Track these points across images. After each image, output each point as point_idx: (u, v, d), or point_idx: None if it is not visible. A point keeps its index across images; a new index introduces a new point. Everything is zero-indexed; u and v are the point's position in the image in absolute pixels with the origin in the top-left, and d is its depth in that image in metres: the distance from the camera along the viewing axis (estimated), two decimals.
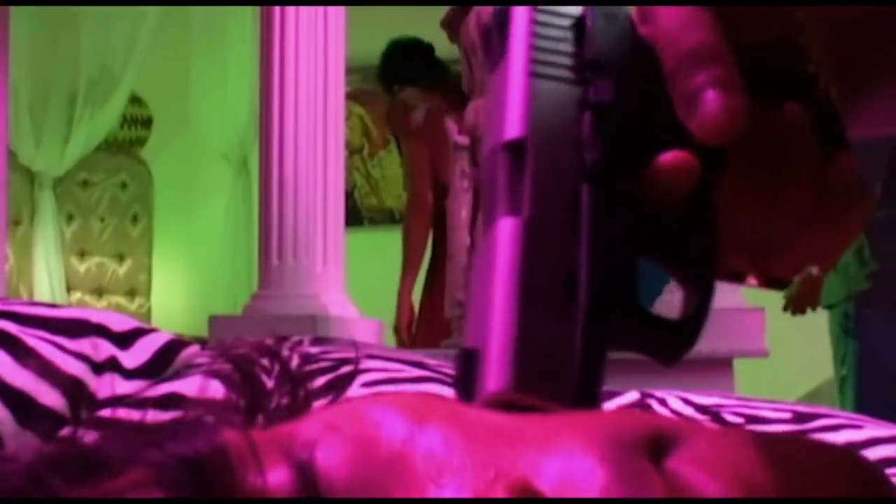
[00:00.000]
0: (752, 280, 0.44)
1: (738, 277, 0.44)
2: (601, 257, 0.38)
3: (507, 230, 0.39)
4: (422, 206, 3.80)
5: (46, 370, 0.81)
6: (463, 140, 3.18)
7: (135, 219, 6.41)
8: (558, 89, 0.41)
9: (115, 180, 6.39)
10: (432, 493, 0.32)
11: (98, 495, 0.32)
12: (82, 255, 6.39)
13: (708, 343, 2.66)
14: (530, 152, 0.39)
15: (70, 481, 0.33)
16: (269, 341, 0.43)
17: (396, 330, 3.87)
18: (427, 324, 3.68)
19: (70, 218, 6.38)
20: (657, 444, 0.33)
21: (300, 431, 0.34)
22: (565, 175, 0.39)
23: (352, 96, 5.18)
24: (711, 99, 0.38)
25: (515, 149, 0.40)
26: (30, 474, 0.33)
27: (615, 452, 0.32)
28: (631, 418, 0.34)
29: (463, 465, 0.32)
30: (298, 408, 0.40)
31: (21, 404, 0.82)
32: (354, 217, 5.34)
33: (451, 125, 3.89)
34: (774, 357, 3.06)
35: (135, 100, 6.20)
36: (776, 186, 0.41)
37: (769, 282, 0.44)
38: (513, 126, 0.40)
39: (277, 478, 0.33)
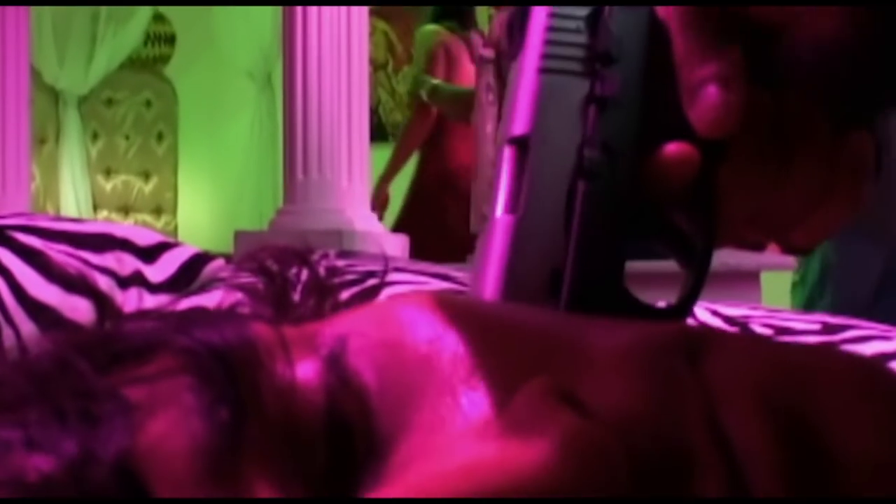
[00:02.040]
0: (772, 247, 0.46)
1: (758, 246, 0.46)
2: (587, 256, 0.40)
3: (501, 227, 0.40)
4: (426, 114, 3.99)
5: (73, 284, 0.81)
6: (488, 53, 3.15)
7: (160, 137, 6.41)
8: (567, 83, 0.42)
9: (140, 98, 6.39)
10: (463, 396, 0.31)
11: (125, 381, 0.31)
12: (108, 173, 6.41)
13: (734, 256, 2.66)
14: (532, 150, 0.41)
15: (97, 367, 0.32)
16: (296, 249, 0.42)
17: None
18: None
19: (95, 136, 6.39)
20: (690, 350, 0.32)
21: (328, 330, 0.33)
22: (563, 173, 0.41)
23: (376, 12, 5.14)
24: (710, 94, 0.40)
25: (520, 144, 0.41)
26: (56, 359, 0.32)
27: (653, 357, 0.32)
28: (662, 327, 0.33)
29: (493, 367, 0.32)
30: (325, 314, 0.39)
31: (48, 319, 0.83)
32: (379, 133, 5.32)
33: (476, 39, 3.86)
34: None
35: (158, 17, 6.17)
36: (788, 166, 0.42)
37: (790, 249, 0.45)
38: (519, 122, 0.41)
39: (306, 371, 0.32)
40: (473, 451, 0.29)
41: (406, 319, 0.33)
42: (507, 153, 0.41)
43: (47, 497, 0.28)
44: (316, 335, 0.33)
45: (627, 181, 0.41)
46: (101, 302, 0.39)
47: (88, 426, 0.30)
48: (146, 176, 6.42)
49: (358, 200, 3.14)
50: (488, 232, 0.41)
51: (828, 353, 0.34)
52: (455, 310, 0.34)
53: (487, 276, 0.40)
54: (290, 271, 0.41)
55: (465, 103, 3.54)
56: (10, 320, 0.84)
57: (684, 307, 0.42)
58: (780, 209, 0.42)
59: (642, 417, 0.30)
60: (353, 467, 0.31)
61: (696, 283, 0.42)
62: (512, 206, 0.41)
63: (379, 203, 3.98)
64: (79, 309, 0.76)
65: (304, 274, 0.41)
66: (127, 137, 6.41)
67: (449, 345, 0.32)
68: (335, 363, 0.32)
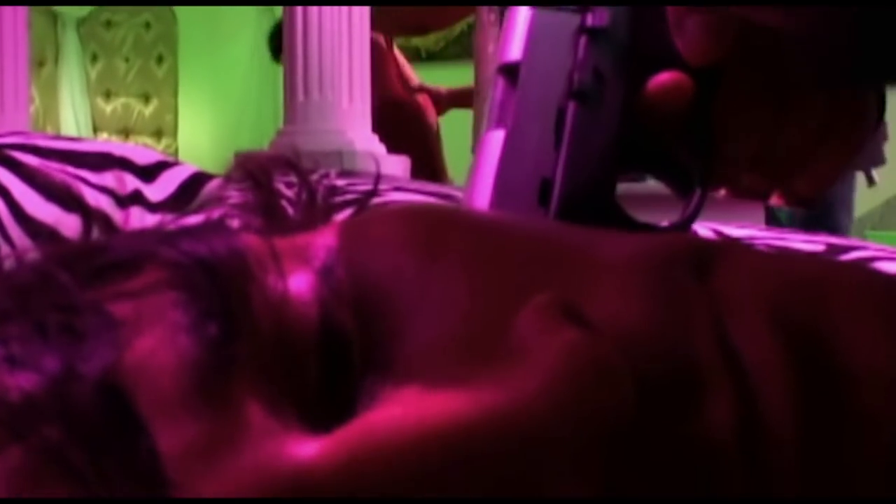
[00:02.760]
0: (777, 200, 0.46)
1: (760, 195, 0.46)
2: (579, 167, 0.40)
3: (491, 140, 0.41)
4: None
5: (71, 203, 0.80)
6: None
7: (159, 59, 6.37)
8: (559, 17, 0.43)
9: (139, 20, 6.34)
10: (461, 309, 0.30)
11: (109, 296, 0.30)
12: (108, 95, 6.37)
13: None
14: (523, 73, 0.42)
15: (80, 280, 0.31)
16: (289, 159, 0.40)
17: None
18: None
19: (94, 58, 6.35)
20: (698, 263, 0.31)
21: (320, 241, 0.32)
22: (553, 93, 0.41)
23: None
24: (696, 20, 0.40)
25: (511, 70, 0.42)
26: (38, 273, 0.31)
27: (659, 269, 0.31)
28: (668, 238, 0.32)
29: (492, 279, 0.31)
30: (317, 224, 0.38)
31: (46, 237, 0.82)
32: None
33: None
34: None
35: None
36: (785, 104, 0.42)
37: (792, 200, 0.46)
38: (511, 51, 0.43)
39: (299, 283, 0.31)
40: (472, 371, 0.28)
41: (402, 230, 0.32)
42: (499, 80, 0.42)
43: (29, 415, 0.27)
44: (308, 246, 0.32)
45: (618, 108, 0.41)
46: (100, 221, 0.38)
47: (71, 342, 0.29)
48: (146, 98, 6.39)
49: (358, 121, 3.12)
50: (479, 148, 0.41)
51: (842, 268, 0.33)
52: (451, 221, 0.33)
53: (478, 186, 0.40)
54: (281, 182, 0.40)
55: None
56: (8, 239, 0.83)
57: (683, 229, 0.42)
58: (779, 151, 0.43)
59: (648, 333, 0.29)
60: (348, 384, 0.30)
61: (692, 212, 0.42)
62: (502, 121, 0.41)
63: None
64: (77, 227, 0.75)
65: (300, 190, 0.40)
66: (126, 60, 6.37)
67: (446, 256, 0.31)
68: (328, 275, 0.31)
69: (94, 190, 0.88)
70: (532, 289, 0.29)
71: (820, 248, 0.95)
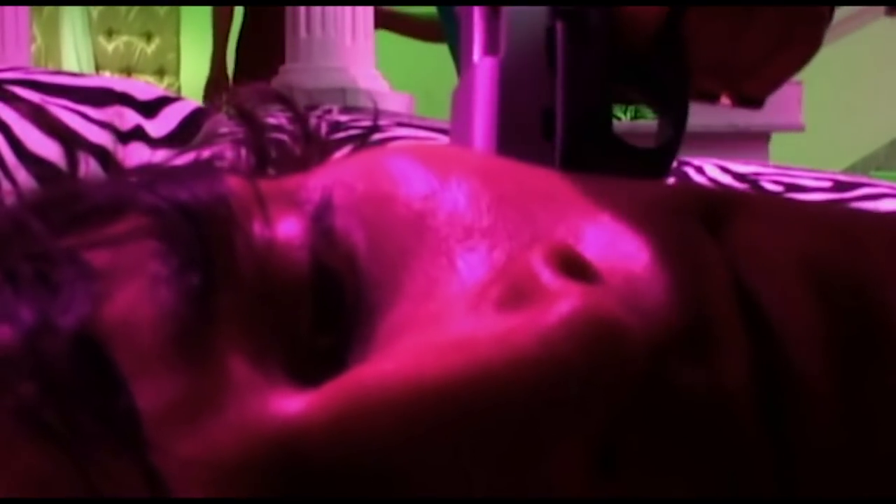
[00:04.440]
0: (725, 100, 0.46)
1: (710, 97, 0.46)
2: (577, 92, 0.39)
3: (484, 69, 0.39)
4: None
5: (73, 140, 0.80)
6: None
7: None
8: None
9: None
10: (459, 258, 0.28)
11: (86, 244, 0.29)
12: (110, 34, 6.34)
13: (744, 116, 2.65)
14: None
15: (56, 227, 0.29)
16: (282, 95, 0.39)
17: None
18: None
19: None
20: (711, 214, 0.30)
21: (312, 183, 0.31)
22: (538, 15, 0.40)
23: None
24: None
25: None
26: (10, 220, 0.30)
27: (667, 220, 0.29)
28: (681, 188, 0.31)
29: (493, 227, 0.29)
30: (311, 163, 0.36)
31: (48, 173, 0.81)
32: None
33: None
34: (811, 131, 3.03)
35: None
36: (748, 14, 0.42)
37: (742, 101, 0.46)
38: None
39: (288, 229, 0.29)
40: (470, 324, 0.26)
41: (398, 172, 0.31)
42: (474, 9, 0.41)
43: (1, 371, 0.26)
44: (299, 189, 0.30)
45: (603, 24, 0.40)
46: (101, 159, 0.37)
47: (46, 293, 0.27)
48: (148, 37, 6.35)
49: (361, 58, 3.10)
50: (469, 79, 0.39)
51: (868, 215, 0.32)
52: (451, 162, 0.31)
53: (477, 121, 0.38)
54: (283, 118, 0.38)
55: None
56: (9, 175, 0.83)
57: (669, 150, 0.41)
58: (740, 56, 0.43)
59: (655, 286, 0.28)
60: (338, 334, 0.28)
61: (676, 126, 0.41)
62: (491, 48, 0.40)
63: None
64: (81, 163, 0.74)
65: (295, 125, 0.38)
66: None
67: (445, 201, 0.30)
68: (320, 220, 0.29)
69: (95, 125, 0.87)
70: (536, 235, 0.28)
71: (827, 184, 0.95)
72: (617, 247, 0.28)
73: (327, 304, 0.29)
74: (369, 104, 2.64)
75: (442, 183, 0.30)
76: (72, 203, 0.31)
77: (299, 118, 0.38)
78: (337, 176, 0.31)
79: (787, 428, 0.27)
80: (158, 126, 0.87)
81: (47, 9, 5.98)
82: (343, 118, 0.77)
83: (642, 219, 0.29)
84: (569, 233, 0.29)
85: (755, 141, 2.87)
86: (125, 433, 0.26)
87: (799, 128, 3.01)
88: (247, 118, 0.37)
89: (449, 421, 0.25)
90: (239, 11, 4.03)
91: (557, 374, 0.25)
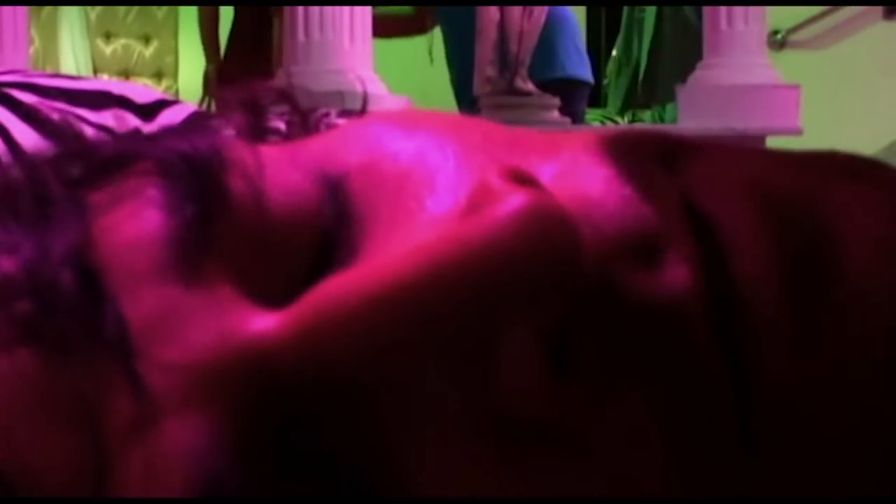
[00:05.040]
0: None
1: None
2: None
3: None
4: None
5: (72, 143, 0.80)
6: None
7: None
8: None
9: None
10: (427, 198, 0.29)
11: (90, 187, 0.30)
12: (108, 37, 6.34)
13: (741, 120, 2.66)
14: None
15: (63, 175, 0.31)
16: (279, 89, 0.40)
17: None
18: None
19: None
20: (667, 153, 0.30)
21: (302, 150, 0.32)
22: None
23: None
24: None
25: None
26: (25, 169, 0.31)
27: (622, 153, 0.30)
28: (638, 131, 0.32)
29: (459, 170, 0.30)
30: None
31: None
32: None
33: None
34: (808, 135, 3.03)
35: None
36: None
37: None
38: None
39: (284, 178, 0.30)
40: (426, 234, 0.28)
41: (374, 136, 0.31)
42: None
43: (7, 296, 0.27)
44: (294, 154, 0.32)
45: None
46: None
47: (45, 226, 0.29)
48: (146, 40, 6.35)
49: (360, 61, 3.10)
50: None
51: (829, 154, 0.32)
52: (421, 122, 0.32)
53: None
54: (279, 120, 0.39)
55: None
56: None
57: None
58: None
59: (607, 203, 0.28)
60: (325, 271, 0.29)
61: None
62: None
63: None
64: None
65: (293, 121, 0.39)
66: None
67: (416, 156, 0.31)
68: (313, 174, 0.30)
69: (94, 129, 0.87)
70: (497, 165, 0.29)
71: None
72: (570, 172, 0.29)
73: (318, 252, 0.30)
74: (368, 107, 2.64)
75: (413, 140, 0.31)
76: (81, 156, 0.32)
77: (299, 114, 0.38)
78: (324, 144, 0.32)
79: (738, 340, 0.27)
80: (156, 129, 0.87)
81: (45, 11, 5.98)
82: (341, 122, 0.77)
83: (598, 152, 0.30)
84: (528, 165, 0.30)
85: (752, 144, 2.88)
86: (111, 339, 0.27)
87: (796, 131, 3.01)
88: (249, 109, 0.37)
89: (404, 322, 0.25)
90: (228, 17, 4.05)
91: (504, 266, 0.25)
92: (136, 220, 0.29)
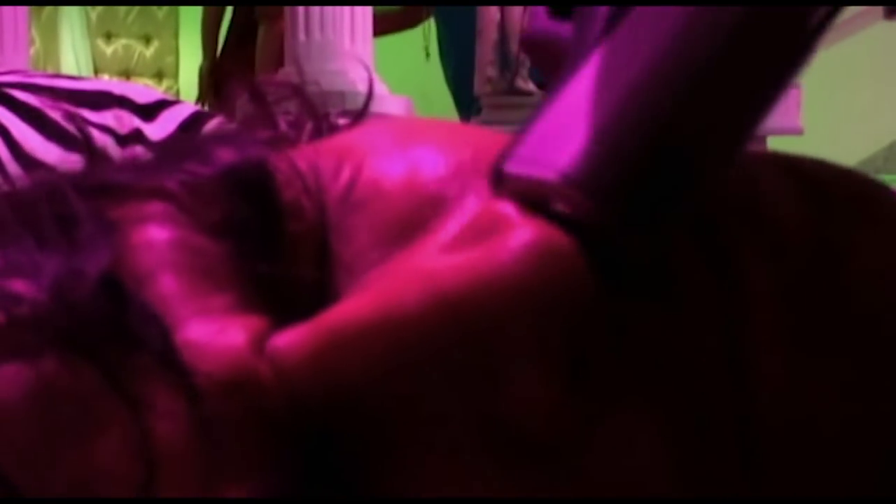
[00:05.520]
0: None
1: None
2: None
3: None
4: None
5: (72, 142, 0.80)
6: None
7: None
8: None
9: None
10: (432, 222, 0.30)
11: (117, 213, 0.31)
12: (108, 37, 6.34)
13: None
14: None
15: (84, 194, 0.31)
16: (291, 82, 0.40)
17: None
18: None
19: None
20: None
21: (301, 156, 0.32)
22: None
23: None
24: None
25: None
26: (44, 188, 0.32)
27: None
28: None
29: (456, 190, 0.31)
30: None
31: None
32: None
33: None
34: (809, 135, 3.03)
35: None
36: None
37: None
38: None
39: (293, 194, 0.31)
40: (434, 262, 0.28)
41: (375, 149, 0.32)
42: None
43: (34, 321, 0.28)
44: (296, 158, 0.32)
45: None
46: (102, 159, 0.38)
47: (71, 247, 0.29)
48: (147, 40, 6.35)
49: (360, 61, 3.10)
50: None
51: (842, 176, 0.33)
52: (418, 135, 0.33)
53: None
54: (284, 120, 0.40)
55: None
56: (8, 179, 0.83)
57: None
58: None
59: (606, 227, 0.29)
60: (321, 283, 0.30)
61: None
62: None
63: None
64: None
65: (302, 117, 0.39)
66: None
67: (411, 172, 0.31)
68: (317, 185, 0.31)
69: (94, 129, 0.87)
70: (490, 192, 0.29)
71: None
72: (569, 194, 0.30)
73: (319, 263, 0.31)
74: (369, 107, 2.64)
75: (409, 155, 0.32)
76: (100, 176, 0.33)
77: (310, 108, 0.38)
78: (331, 151, 0.33)
79: (738, 345, 0.28)
80: (157, 129, 0.87)
81: (46, 12, 5.98)
82: (342, 122, 0.77)
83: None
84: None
85: (752, 144, 2.87)
86: (160, 356, 0.27)
87: (797, 131, 3.01)
88: (258, 100, 0.38)
89: (413, 350, 0.26)
90: (226, 19, 4.07)
91: (513, 299, 0.26)
92: (161, 238, 0.29)
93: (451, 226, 0.29)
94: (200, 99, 4.10)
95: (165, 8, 6.32)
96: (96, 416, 0.27)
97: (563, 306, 0.26)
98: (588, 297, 0.27)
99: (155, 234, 0.29)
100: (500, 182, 0.28)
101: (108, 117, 0.88)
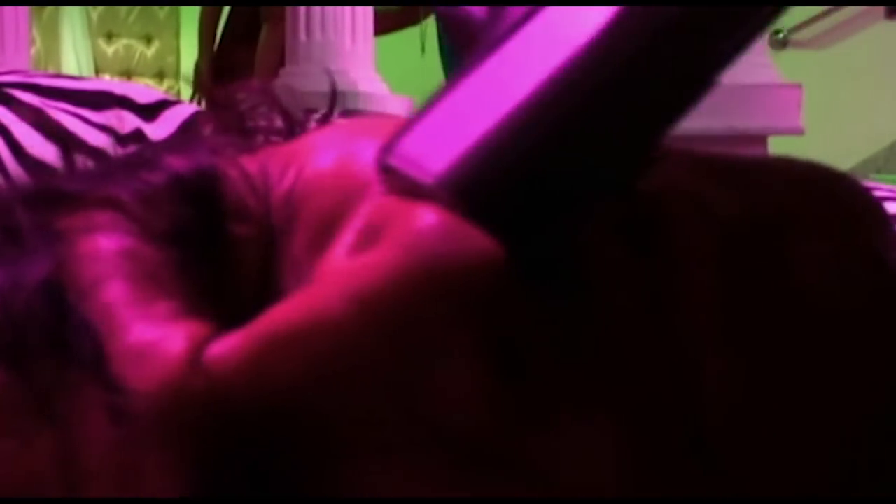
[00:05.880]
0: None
1: None
2: None
3: None
4: None
5: (72, 143, 0.80)
6: None
7: None
8: None
9: None
10: (344, 219, 0.31)
11: (64, 224, 0.31)
12: (110, 37, 6.34)
13: (741, 119, 2.65)
14: None
15: (34, 212, 0.32)
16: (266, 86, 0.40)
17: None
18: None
19: None
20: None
21: (270, 159, 0.33)
22: None
23: None
24: None
25: None
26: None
27: None
28: None
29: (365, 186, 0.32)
30: None
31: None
32: None
33: None
34: (810, 134, 3.03)
35: None
36: None
37: None
38: None
39: (242, 195, 0.32)
40: (347, 263, 0.29)
41: (319, 150, 0.33)
42: None
43: None
44: (246, 163, 0.33)
45: None
46: (99, 160, 0.38)
47: (15, 258, 0.30)
48: (148, 40, 6.35)
49: (361, 62, 3.10)
50: None
51: (786, 166, 0.33)
52: (365, 126, 0.34)
53: None
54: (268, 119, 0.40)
55: None
56: (9, 179, 0.83)
57: None
58: None
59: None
60: (270, 288, 0.31)
61: None
62: None
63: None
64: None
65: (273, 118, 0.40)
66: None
67: (339, 170, 0.32)
68: (266, 187, 0.32)
69: (95, 128, 0.87)
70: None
71: None
72: None
73: (264, 264, 0.32)
74: (369, 108, 2.65)
75: (343, 152, 0.32)
76: (53, 189, 0.33)
77: (282, 112, 0.39)
78: (283, 155, 0.34)
79: (682, 346, 0.28)
80: (158, 129, 0.87)
81: (47, 12, 5.98)
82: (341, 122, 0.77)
83: None
84: None
85: (753, 143, 2.87)
86: (90, 362, 0.28)
87: (798, 131, 3.01)
88: (226, 109, 0.39)
89: (338, 352, 0.27)
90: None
91: (423, 286, 0.26)
92: (108, 247, 0.30)
93: (356, 223, 0.30)
94: (195, 98, 4.11)
95: (167, 8, 6.32)
96: (21, 430, 0.27)
97: (472, 286, 0.27)
98: (498, 276, 0.27)
99: (103, 244, 0.30)
100: (385, 174, 0.28)
101: (109, 117, 0.88)
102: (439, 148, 0.26)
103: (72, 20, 6.10)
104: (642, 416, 0.27)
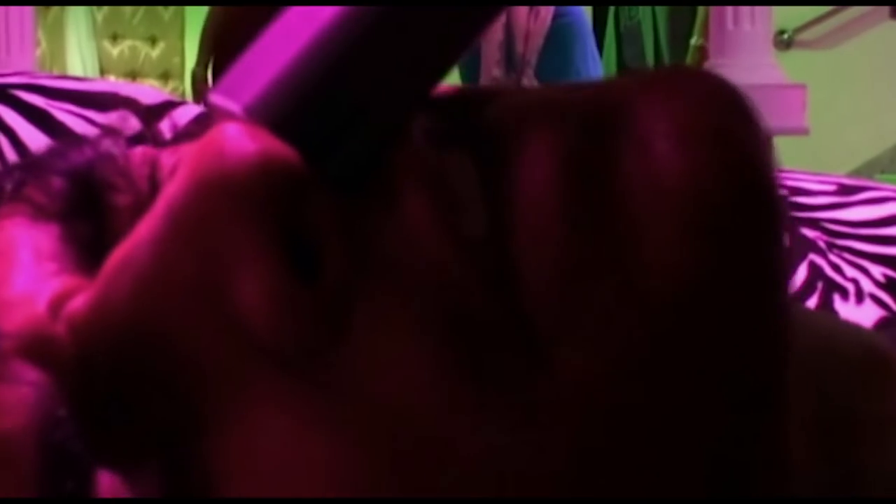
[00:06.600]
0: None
1: None
2: None
3: None
4: None
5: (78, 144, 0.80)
6: None
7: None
8: None
9: None
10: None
11: None
12: (115, 38, 6.35)
13: None
14: None
15: None
16: None
17: None
18: None
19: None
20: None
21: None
22: None
23: None
24: None
25: None
26: None
27: None
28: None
29: None
30: None
31: None
32: None
33: None
34: (815, 135, 3.03)
35: None
36: None
37: None
38: None
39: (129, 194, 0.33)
40: (169, 188, 0.28)
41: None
42: None
43: None
44: (154, 148, 0.35)
45: None
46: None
47: None
48: (153, 41, 6.36)
49: None
50: None
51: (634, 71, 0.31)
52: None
53: None
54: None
55: None
56: None
57: None
58: None
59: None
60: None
61: None
62: None
63: None
64: None
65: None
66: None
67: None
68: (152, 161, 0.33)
69: (101, 130, 0.87)
70: None
71: (830, 187, 0.95)
72: None
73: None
74: None
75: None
76: None
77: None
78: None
79: (507, 278, 0.26)
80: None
81: (52, 13, 5.99)
82: None
83: None
84: None
85: None
86: None
87: (803, 131, 3.01)
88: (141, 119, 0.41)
89: (156, 278, 0.27)
90: None
91: (220, 186, 0.27)
92: (14, 234, 0.32)
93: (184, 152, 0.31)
94: (195, 100, 4.12)
95: (171, 9, 6.33)
96: None
97: (264, 186, 0.26)
98: (295, 180, 0.27)
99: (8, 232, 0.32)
100: (214, 111, 0.29)
101: (114, 119, 0.88)
102: (247, 83, 0.29)
103: (77, 21, 6.11)
104: (448, 324, 0.26)
